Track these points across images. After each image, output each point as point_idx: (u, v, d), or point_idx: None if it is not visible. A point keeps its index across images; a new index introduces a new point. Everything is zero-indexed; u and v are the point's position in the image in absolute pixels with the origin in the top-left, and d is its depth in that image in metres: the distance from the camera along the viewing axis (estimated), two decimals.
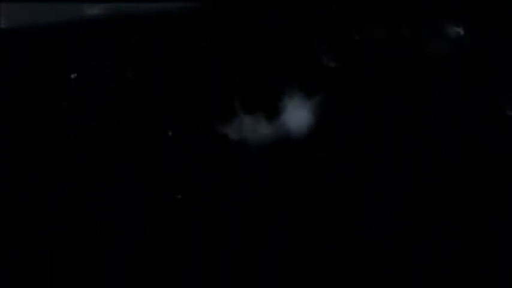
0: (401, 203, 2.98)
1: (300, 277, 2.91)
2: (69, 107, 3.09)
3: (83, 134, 3.07)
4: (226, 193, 3.00)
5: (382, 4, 3.18)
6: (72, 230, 2.95)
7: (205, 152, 3.05)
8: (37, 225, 2.94)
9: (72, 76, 3.09)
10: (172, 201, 3.00)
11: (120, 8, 3.14)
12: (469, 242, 2.93)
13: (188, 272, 2.92)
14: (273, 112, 3.07)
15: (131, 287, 2.89)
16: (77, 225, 2.95)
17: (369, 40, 3.15)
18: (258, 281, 2.91)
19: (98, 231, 2.94)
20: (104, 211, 2.97)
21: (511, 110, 3.04)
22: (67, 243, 2.93)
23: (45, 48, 3.13)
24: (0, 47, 3.08)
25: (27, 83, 3.10)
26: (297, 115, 3.05)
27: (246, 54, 3.17)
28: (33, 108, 3.07)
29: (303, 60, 3.13)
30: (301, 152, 3.04)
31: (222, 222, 2.97)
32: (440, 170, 3.01)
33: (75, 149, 3.05)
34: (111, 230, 2.95)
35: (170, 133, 3.09)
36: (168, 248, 2.94)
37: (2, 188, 2.96)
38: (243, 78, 3.12)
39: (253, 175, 3.01)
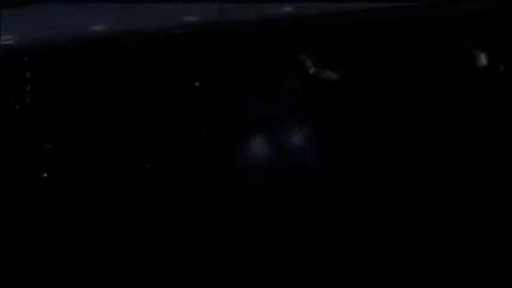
0: (402, 203, 2.98)
1: (300, 277, 2.92)
2: (72, 119, 3.10)
3: (85, 141, 3.08)
4: (225, 194, 3.01)
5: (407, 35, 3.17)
6: (72, 230, 2.96)
7: (206, 153, 3.06)
8: (37, 225, 2.95)
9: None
10: (172, 203, 3.01)
11: (123, 23, 3.13)
12: (469, 242, 2.93)
13: (188, 272, 2.93)
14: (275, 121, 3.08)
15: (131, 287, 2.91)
16: (77, 225, 2.96)
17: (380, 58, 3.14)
18: (258, 281, 2.91)
19: (98, 231, 2.96)
20: (104, 211, 2.98)
21: None
22: (67, 243, 2.94)
23: (47, 64, 3.13)
24: (2, 62, 3.08)
25: (30, 97, 3.10)
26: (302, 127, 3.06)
27: (250, 72, 3.16)
28: (36, 121, 3.08)
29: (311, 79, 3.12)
30: (300, 154, 3.04)
31: (222, 223, 2.98)
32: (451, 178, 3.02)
33: (81, 158, 3.06)
34: (111, 230, 2.96)
35: (171, 135, 3.11)
36: (168, 248, 2.95)
37: (2, 188, 2.98)
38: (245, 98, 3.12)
39: (252, 175, 3.01)
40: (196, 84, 3.12)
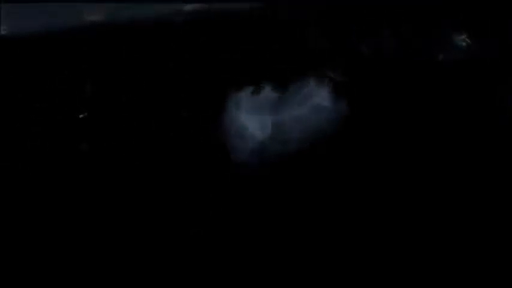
0: (401, 203, 2.99)
1: (300, 277, 2.92)
2: (70, 112, 3.11)
3: (83, 137, 3.09)
4: (225, 193, 3.02)
5: (390, 15, 3.17)
6: (72, 230, 2.97)
7: (207, 151, 3.07)
8: (37, 225, 2.96)
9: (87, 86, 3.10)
10: (172, 204, 3.02)
11: (121, 13, 3.14)
12: (468, 242, 2.94)
13: (188, 273, 2.94)
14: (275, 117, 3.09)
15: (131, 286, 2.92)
16: (77, 225, 2.97)
17: (377, 51, 3.15)
18: (258, 281, 2.92)
19: (97, 232, 2.97)
20: (104, 211, 2.99)
21: None
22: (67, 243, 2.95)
23: (45, 54, 3.13)
24: (1, 53, 3.09)
25: (28, 89, 3.11)
26: (301, 124, 3.06)
27: (249, 61, 3.17)
28: (34, 114, 3.09)
29: (308, 73, 3.12)
30: (299, 154, 3.05)
31: (221, 223, 2.99)
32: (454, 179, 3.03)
33: (76, 153, 3.06)
34: (111, 230, 2.97)
35: (171, 134, 3.11)
36: (168, 248, 2.96)
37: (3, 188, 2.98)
38: (244, 83, 3.12)
39: (252, 175, 3.02)
40: None
